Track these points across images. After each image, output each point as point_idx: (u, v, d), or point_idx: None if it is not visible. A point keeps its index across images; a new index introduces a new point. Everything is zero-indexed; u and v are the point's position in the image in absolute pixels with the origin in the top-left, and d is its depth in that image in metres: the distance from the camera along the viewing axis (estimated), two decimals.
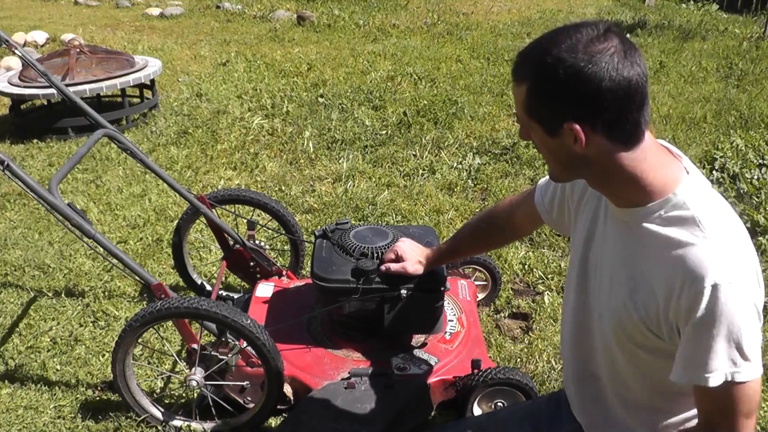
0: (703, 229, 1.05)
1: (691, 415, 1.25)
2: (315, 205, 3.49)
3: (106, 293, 2.73)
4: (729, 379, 1.03)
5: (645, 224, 1.11)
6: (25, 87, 4.54)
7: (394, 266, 1.87)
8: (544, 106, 1.07)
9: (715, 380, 1.03)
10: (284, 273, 2.47)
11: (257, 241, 2.49)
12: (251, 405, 1.96)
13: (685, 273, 1.04)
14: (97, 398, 2.16)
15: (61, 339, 2.44)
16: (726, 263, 1.03)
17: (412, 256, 1.86)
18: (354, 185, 3.71)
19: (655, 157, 1.09)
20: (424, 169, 3.92)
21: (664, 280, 1.07)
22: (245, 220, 2.54)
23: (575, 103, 1.03)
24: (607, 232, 1.22)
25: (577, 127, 1.04)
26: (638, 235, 1.13)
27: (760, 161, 3.88)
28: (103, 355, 2.35)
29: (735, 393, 1.05)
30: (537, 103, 1.07)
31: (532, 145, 4.16)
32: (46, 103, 4.92)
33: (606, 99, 1.01)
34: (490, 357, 2.19)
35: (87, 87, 4.49)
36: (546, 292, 2.71)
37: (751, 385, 1.04)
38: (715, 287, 1.01)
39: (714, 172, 3.79)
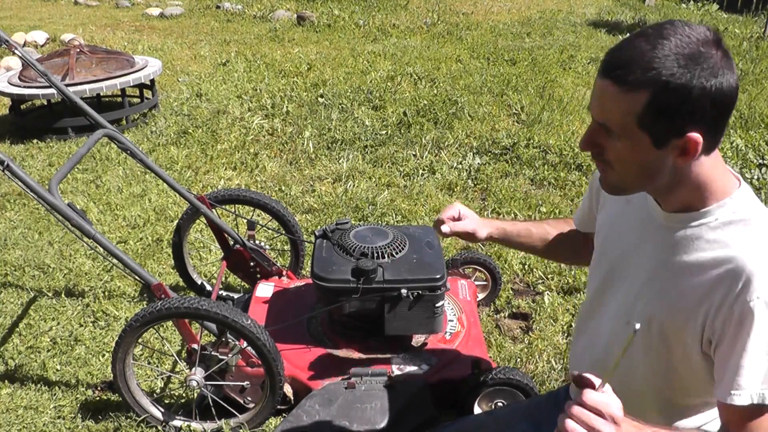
0: (761, 233, 1.03)
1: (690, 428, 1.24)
2: (315, 205, 3.49)
3: (106, 293, 2.73)
4: None
5: (695, 229, 1.08)
6: (25, 87, 4.54)
7: (459, 225, 1.59)
8: (666, 118, 1.00)
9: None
10: (284, 273, 2.47)
11: (257, 241, 2.49)
12: (251, 405, 1.96)
13: (740, 278, 1.00)
14: (97, 398, 2.16)
15: (61, 339, 2.44)
16: None
17: (475, 217, 1.63)
18: (354, 185, 3.71)
19: (720, 164, 1.08)
20: (424, 169, 3.92)
21: (714, 283, 1.03)
22: (245, 220, 2.54)
23: (702, 111, 0.98)
24: (644, 236, 1.19)
25: (698, 136, 0.99)
26: (686, 240, 1.09)
27: (760, 161, 3.88)
28: (103, 355, 2.35)
29: None
30: (658, 115, 1.00)
31: (533, 145, 4.19)
32: (46, 103, 4.91)
33: (722, 103, 0.99)
34: (490, 357, 2.19)
35: (87, 87, 4.49)
36: (546, 292, 2.71)
37: None
38: None
39: None
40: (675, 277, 1.11)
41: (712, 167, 1.06)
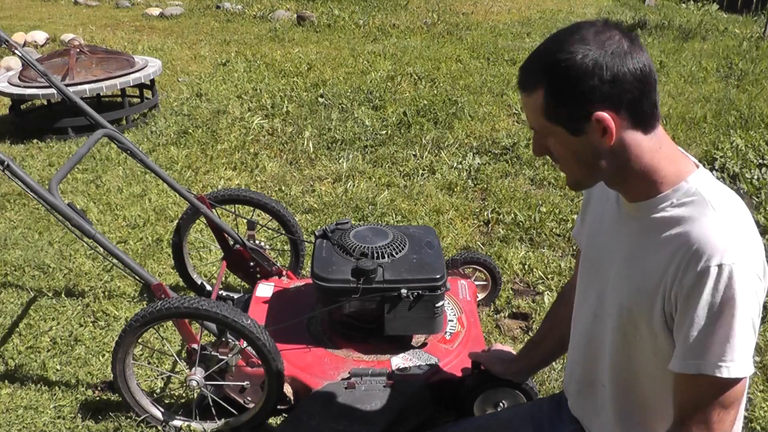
0: (714, 209, 1.05)
1: None
2: (315, 205, 3.49)
3: (106, 293, 2.73)
4: (723, 371, 1.01)
5: (655, 214, 1.11)
6: (25, 87, 4.54)
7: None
8: (566, 104, 1.06)
9: (708, 369, 1.02)
10: (284, 273, 2.47)
11: (257, 241, 2.49)
12: (251, 405, 1.96)
13: (691, 249, 1.03)
14: (97, 398, 2.16)
15: (61, 339, 2.44)
16: (735, 244, 1.01)
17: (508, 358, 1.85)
18: (354, 185, 3.71)
19: (669, 149, 1.11)
20: (424, 169, 3.92)
21: (671, 257, 1.06)
22: (245, 220, 2.54)
23: (599, 89, 1.03)
24: (617, 230, 1.21)
25: (605, 114, 1.04)
26: (648, 226, 1.12)
27: (760, 161, 3.88)
28: (103, 355, 2.35)
29: (719, 384, 1.03)
30: (557, 104, 1.06)
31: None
32: (46, 103, 4.91)
33: (627, 80, 1.02)
34: None
35: (87, 87, 4.49)
36: (546, 292, 2.71)
37: (740, 377, 1.03)
38: (720, 267, 0.99)
39: (714, 172, 3.80)
40: (639, 262, 1.14)
41: (657, 150, 1.09)
